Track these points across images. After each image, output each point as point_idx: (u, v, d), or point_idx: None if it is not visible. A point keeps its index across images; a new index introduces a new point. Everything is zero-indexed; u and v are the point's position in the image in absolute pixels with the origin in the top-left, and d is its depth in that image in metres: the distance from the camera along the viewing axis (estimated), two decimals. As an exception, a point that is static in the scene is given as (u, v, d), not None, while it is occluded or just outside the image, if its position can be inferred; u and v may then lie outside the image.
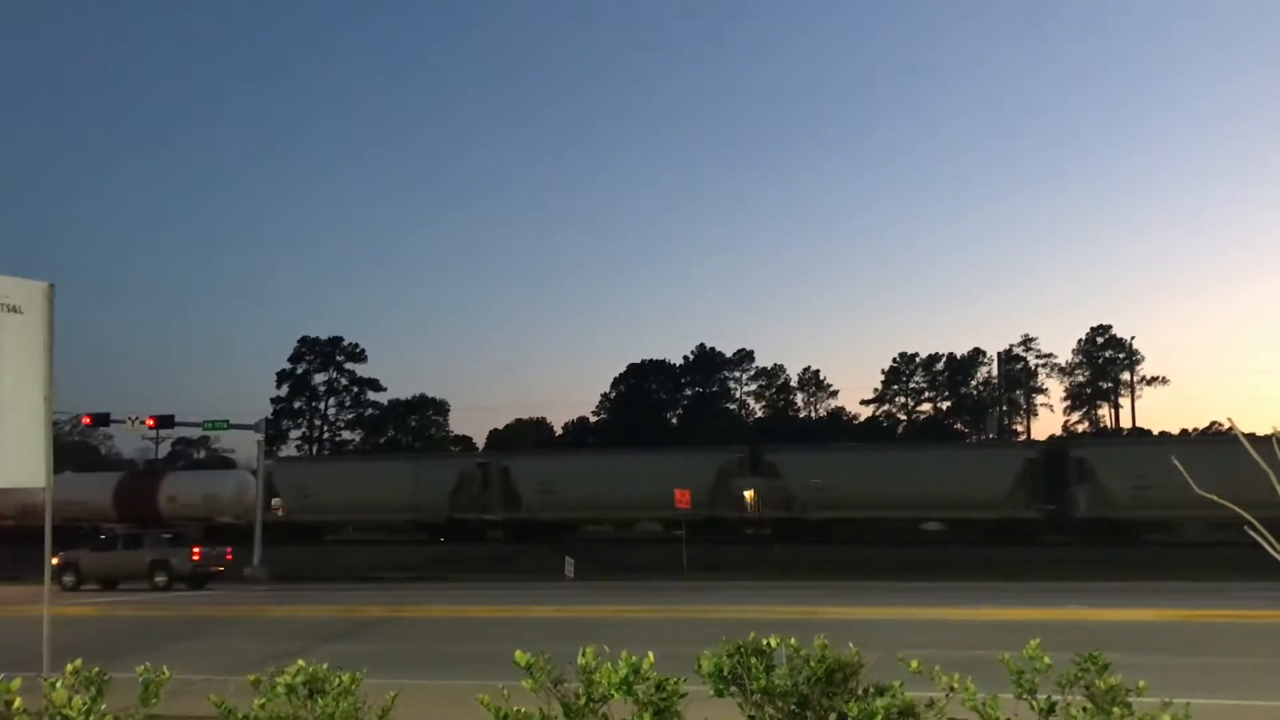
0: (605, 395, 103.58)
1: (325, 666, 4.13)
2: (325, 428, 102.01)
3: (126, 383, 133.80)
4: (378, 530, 56.63)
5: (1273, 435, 4.83)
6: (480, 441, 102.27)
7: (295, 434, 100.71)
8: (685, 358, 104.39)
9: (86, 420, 39.77)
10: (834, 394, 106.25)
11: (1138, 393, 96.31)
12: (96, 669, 4.07)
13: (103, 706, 3.96)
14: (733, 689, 4.60)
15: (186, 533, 58.55)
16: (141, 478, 65.43)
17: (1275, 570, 4.88)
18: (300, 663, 4.11)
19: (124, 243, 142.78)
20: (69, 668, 4.04)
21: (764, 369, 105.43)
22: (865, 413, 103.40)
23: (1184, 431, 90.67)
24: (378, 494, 52.12)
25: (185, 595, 26.29)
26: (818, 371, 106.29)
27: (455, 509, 52.09)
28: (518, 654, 4.40)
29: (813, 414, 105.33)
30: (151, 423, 38.97)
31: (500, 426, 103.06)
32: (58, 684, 3.98)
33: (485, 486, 52.44)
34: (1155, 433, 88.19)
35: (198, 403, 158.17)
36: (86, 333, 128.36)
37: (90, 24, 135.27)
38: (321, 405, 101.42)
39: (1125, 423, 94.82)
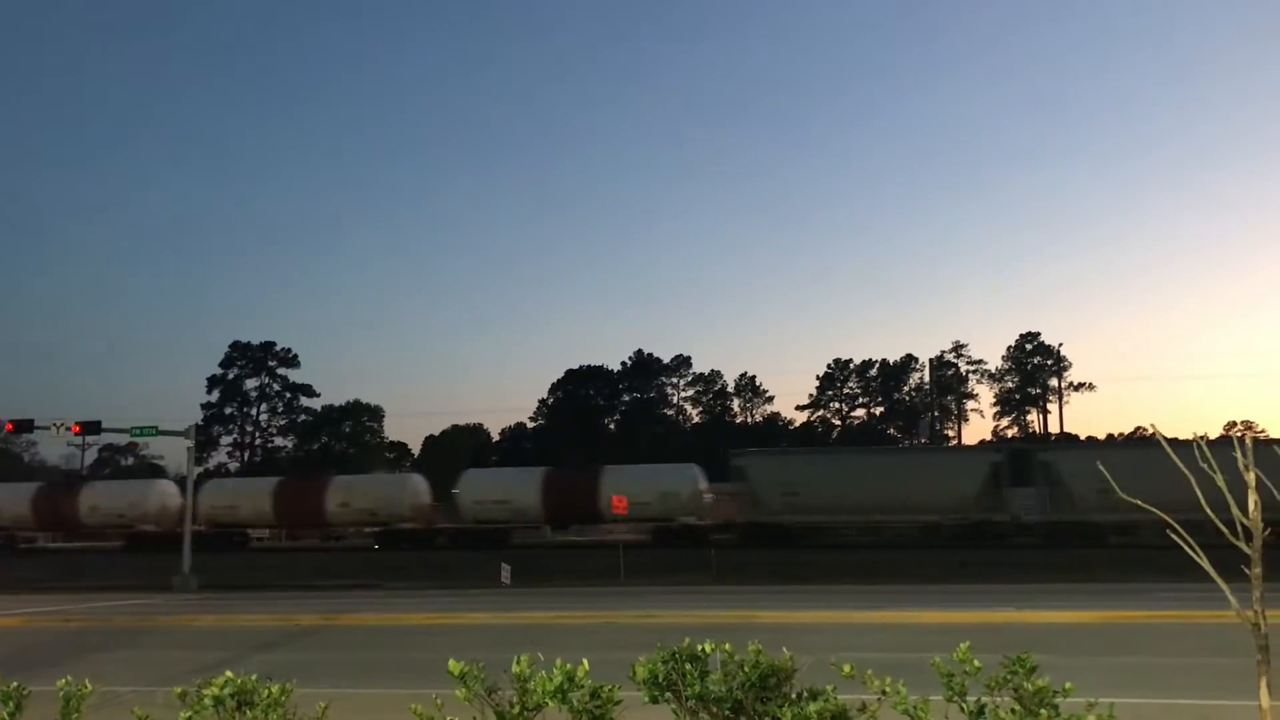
0: (543, 401, 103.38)
1: (254, 677, 4.05)
2: (257, 434, 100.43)
3: (51, 388, 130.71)
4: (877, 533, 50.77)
5: (1193, 440, 4.96)
6: (415, 449, 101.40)
7: (226, 440, 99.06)
8: (623, 364, 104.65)
9: (8, 427, 38.57)
10: (770, 400, 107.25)
11: (1065, 398, 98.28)
12: (15, 683, 3.95)
13: (21, 721, 3.85)
14: (667, 695, 4.61)
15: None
16: (61, 487, 64.45)
17: (1224, 571, 4.99)
18: (229, 674, 4.04)
19: (50, 247, 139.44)
20: (-14, 682, 3.92)
21: (701, 375, 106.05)
22: (800, 418, 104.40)
23: (1110, 436, 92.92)
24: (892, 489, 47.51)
25: (112, 606, 25.67)
26: (754, 378, 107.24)
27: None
28: (451, 663, 4.36)
29: (749, 419, 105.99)
30: (77, 429, 37.97)
31: (437, 433, 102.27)
32: (-26, 700, 3.87)
33: None
34: (1083, 437, 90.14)
35: (125, 408, 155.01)
36: (8, 335, 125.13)
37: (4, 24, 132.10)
38: (254, 411, 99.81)
39: (1054, 428, 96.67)
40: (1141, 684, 10.90)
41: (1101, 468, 5.70)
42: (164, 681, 11.21)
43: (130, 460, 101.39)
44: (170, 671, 12.81)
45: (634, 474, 52.56)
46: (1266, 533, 4.52)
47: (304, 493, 57.17)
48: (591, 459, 64.04)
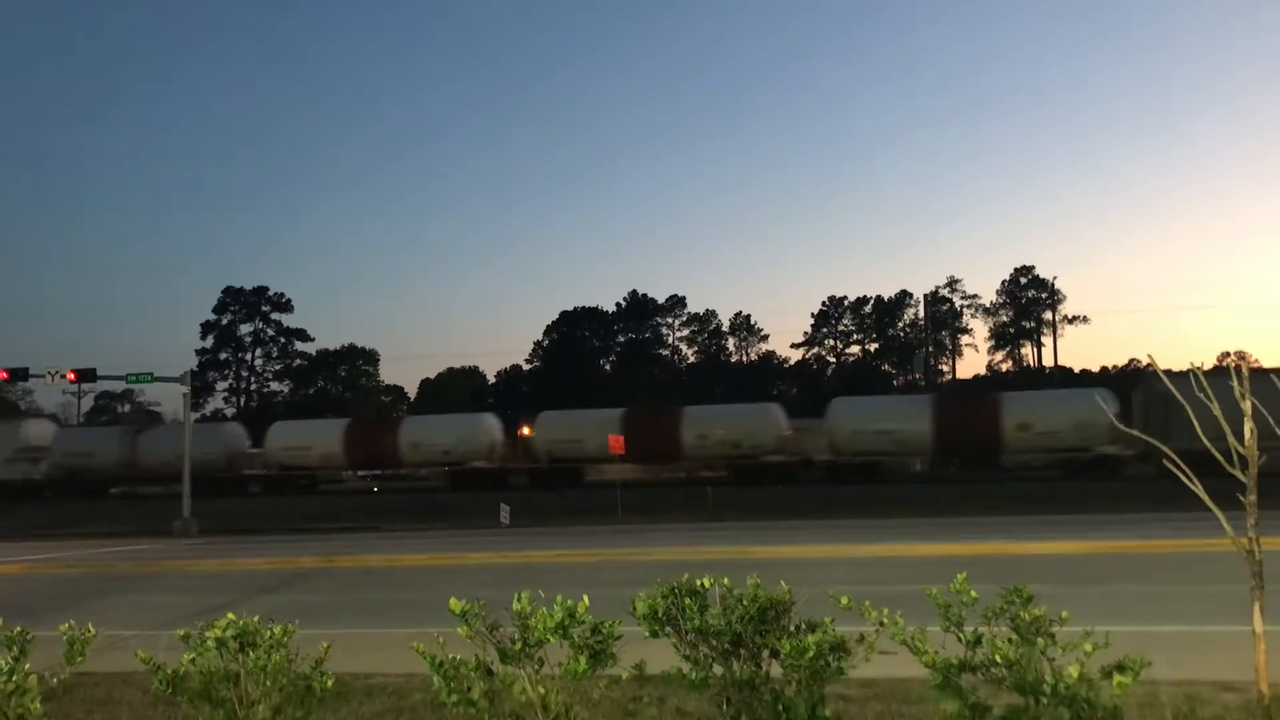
0: (538, 343, 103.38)
1: (256, 619, 4.08)
2: (252, 379, 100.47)
3: (45, 337, 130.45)
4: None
5: (1189, 371, 4.96)
6: (412, 392, 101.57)
7: (222, 386, 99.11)
8: (618, 304, 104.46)
9: (3, 375, 38.54)
10: (765, 338, 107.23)
11: (1060, 331, 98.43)
12: (19, 628, 3.98)
13: (26, 666, 3.87)
14: (667, 630, 4.65)
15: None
16: (377, 422, 61.46)
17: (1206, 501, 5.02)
18: (230, 616, 4.06)
19: (41, 196, 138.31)
20: (-10, 628, 3.94)
21: (696, 314, 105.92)
22: (795, 356, 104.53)
23: (1103, 369, 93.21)
24: None
25: (112, 552, 25.84)
26: (749, 316, 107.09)
27: None
28: (453, 601, 4.39)
29: (744, 358, 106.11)
30: (73, 376, 37.95)
31: (432, 376, 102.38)
32: (-22, 644, 3.89)
33: None
34: (1076, 371, 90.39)
35: (120, 356, 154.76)
36: (1, 284, 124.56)
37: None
38: (248, 356, 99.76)
39: (1048, 361, 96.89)
40: (1135, 612, 11.03)
41: (1101, 401, 5.70)
42: (166, 625, 11.31)
43: (126, 407, 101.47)
44: (172, 615, 12.92)
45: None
46: (1262, 460, 4.54)
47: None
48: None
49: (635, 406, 56.87)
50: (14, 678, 3.75)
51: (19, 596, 16.47)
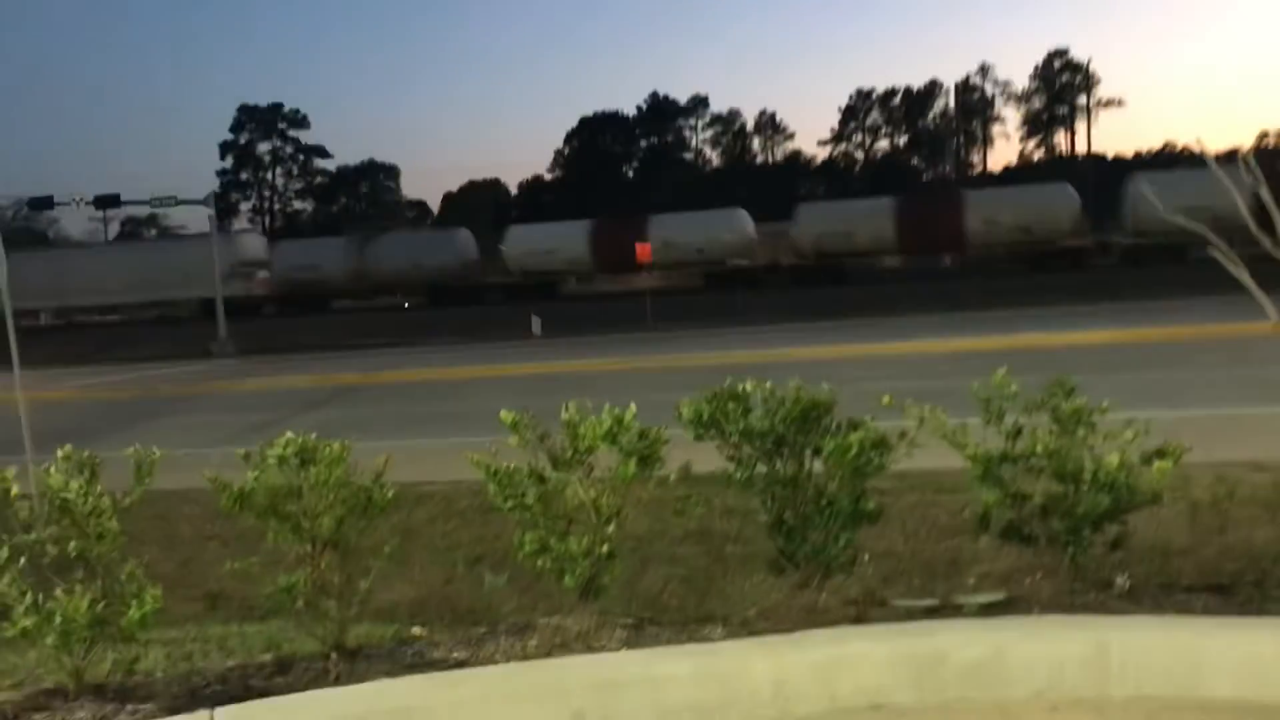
0: (559, 152, 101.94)
1: (314, 436, 4.19)
2: (275, 198, 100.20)
3: (66, 164, 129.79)
4: None
5: (1239, 154, 4.84)
6: (435, 205, 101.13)
7: (245, 206, 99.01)
8: (638, 108, 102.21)
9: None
10: (791, 137, 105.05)
11: (1094, 116, 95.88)
12: (87, 452, 4.11)
13: (99, 488, 4.03)
14: (712, 433, 4.76)
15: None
16: (621, 221, 55.86)
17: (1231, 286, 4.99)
18: (289, 433, 4.17)
19: (55, 19, 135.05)
20: (60, 452, 4.08)
21: (719, 115, 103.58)
22: (823, 154, 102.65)
23: (1137, 155, 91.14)
24: None
25: (155, 374, 26.44)
26: (774, 115, 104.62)
27: None
28: (503, 413, 4.48)
29: (770, 159, 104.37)
30: (96, 202, 37.99)
31: (454, 190, 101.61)
32: (51, 468, 4.03)
33: None
34: (1110, 157, 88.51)
35: (142, 180, 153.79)
36: (18, 115, 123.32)
37: None
38: (269, 175, 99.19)
39: (1080, 148, 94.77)
40: (1170, 398, 11.13)
41: (1145, 189, 5.60)
42: (217, 444, 11.67)
43: (152, 232, 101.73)
44: (223, 434, 13.32)
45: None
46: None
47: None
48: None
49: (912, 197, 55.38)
50: (89, 499, 3.90)
51: (75, 422, 16.95)
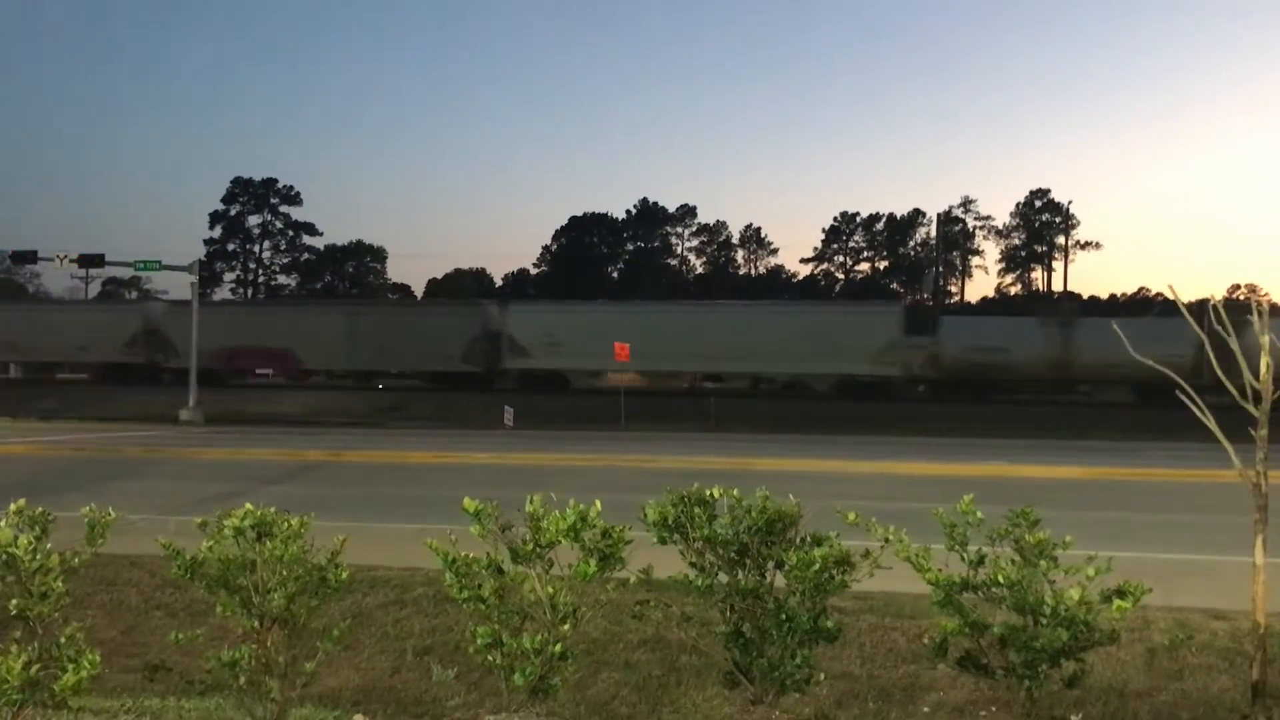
0: (546, 248, 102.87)
1: (273, 509, 4.14)
2: (260, 271, 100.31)
3: (53, 220, 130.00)
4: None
5: (1209, 302, 4.94)
6: (419, 290, 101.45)
7: (230, 277, 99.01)
8: (628, 211, 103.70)
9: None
10: (774, 252, 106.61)
11: (1071, 256, 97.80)
12: (40, 509, 4.04)
13: (48, 545, 3.95)
14: (675, 537, 4.72)
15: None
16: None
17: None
18: (249, 505, 4.12)
19: (54, 78, 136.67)
20: (13, 507, 4.00)
21: (706, 225, 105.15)
22: (805, 271, 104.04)
23: (1112, 297, 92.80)
24: None
25: (122, 436, 26.12)
26: (759, 229, 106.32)
27: None
28: (467, 501, 4.45)
29: (753, 271, 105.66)
30: (80, 261, 37.91)
31: (439, 276, 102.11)
32: (1, 523, 3.95)
33: None
34: (1085, 297, 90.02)
35: (126, 242, 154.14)
36: (11, 167, 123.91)
37: None
38: (256, 248, 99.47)
39: (1057, 286, 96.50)
40: (1136, 539, 11.15)
41: (1116, 327, 5.70)
42: (176, 511, 11.49)
43: (133, 294, 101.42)
44: (182, 501, 13.12)
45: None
46: (1276, 395, 4.55)
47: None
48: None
49: None
50: (37, 556, 3.82)
51: (30, 477, 16.66)
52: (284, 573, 3.97)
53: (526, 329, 47.67)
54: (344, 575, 4.16)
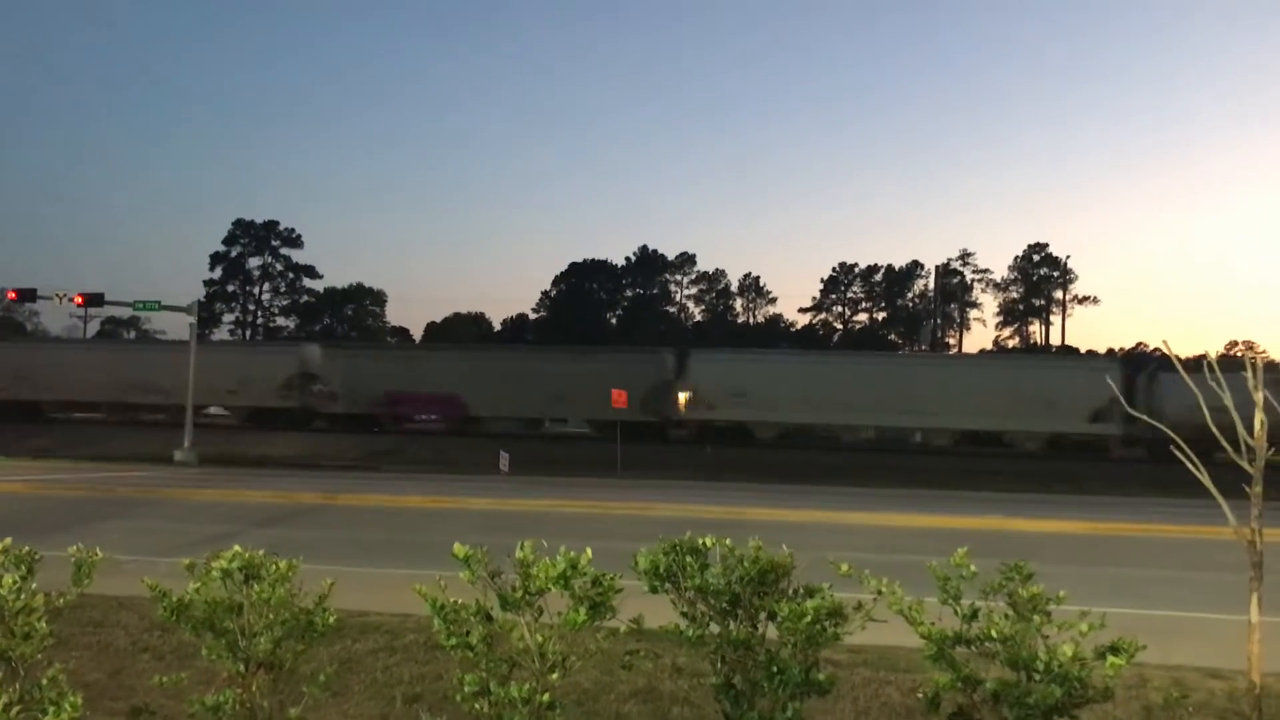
0: (545, 293, 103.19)
1: (261, 552, 4.11)
2: (259, 313, 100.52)
3: (56, 260, 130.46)
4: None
5: (1204, 359, 4.95)
6: (417, 334, 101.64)
7: (229, 318, 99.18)
8: (627, 258, 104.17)
9: (11, 295, 38.55)
10: (773, 301, 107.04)
11: (1069, 311, 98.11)
12: (27, 548, 4.01)
13: (34, 585, 3.91)
14: (667, 586, 4.68)
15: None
16: None
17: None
18: (237, 548, 4.09)
19: (57, 118, 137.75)
20: (-1, 545, 3.98)
21: (705, 273, 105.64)
22: (803, 320, 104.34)
23: (1110, 351, 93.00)
24: None
25: (113, 477, 26.01)
26: (758, 278, 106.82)
27: None
28: (456, 546, 4.41)
29: (751, 320, 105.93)
30: (80, 300, 38.02)
31: (438, 320, 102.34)
32: (-13, 561, 3.93)
33: None
34: (1083, 351, 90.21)
35: (126, 282, 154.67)
36: (12, 206, 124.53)
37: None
38: (256, 290, 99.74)
39: (1055, 340, 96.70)
40: (1131, 595, 11.09)
41: (1111, 381, 5.69)
42: (166, 552, 11.42)
43: (132, 334, 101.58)
44: (173, 543, 13.04)
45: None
46: (1270, 452, 4.54)
47: None
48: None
49: None
50: (22, 596, 3.79)
51: (24, 516, 16.56)
52: (271, 616, 3.93)
53: (709, 378, 46.37)
54: (331, 619, 4.12)
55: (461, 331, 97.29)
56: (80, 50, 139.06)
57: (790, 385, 43.44)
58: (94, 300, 38.93)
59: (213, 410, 53.36)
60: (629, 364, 48.38)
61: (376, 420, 48.00)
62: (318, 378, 49.10)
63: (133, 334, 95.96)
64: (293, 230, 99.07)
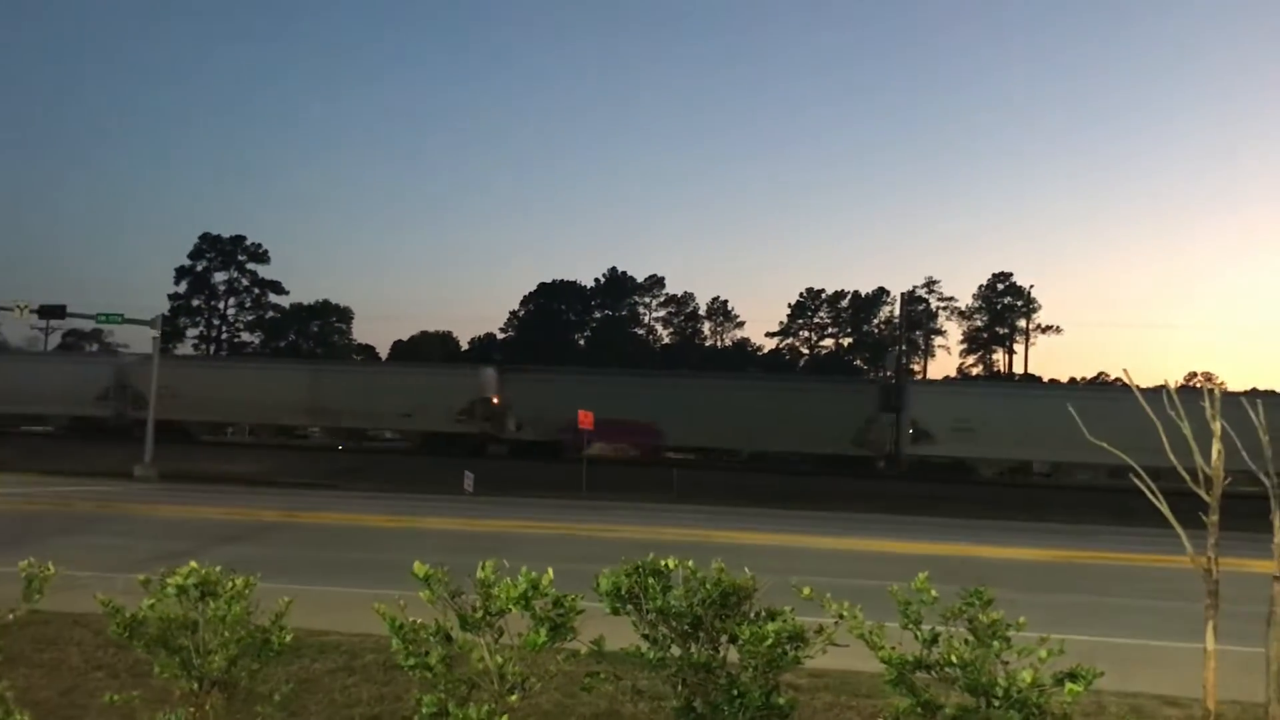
0: (514, 313, 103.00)
1: (218, 569, 4.06)
2: (224, 328, 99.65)
3: (16, 271, 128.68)
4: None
5: (1164, 388, 5.01)
6: (384, 352, 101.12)
7: (193, 333, 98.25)
8: (596, 280, 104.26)
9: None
10: (740, 325, 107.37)
11: (1032, 340, 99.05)
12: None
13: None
14: (629, 608, 4.66)
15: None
16: None
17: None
18: (193, 564, 4.04)
19: (16, 127, 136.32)
20: (-52, 560, 3.90)
21: (674, 296, 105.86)
22: (770, 344, 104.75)
23: (1072, 380, 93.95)
24: None
25: (74, 491, 25.63)
26: (726, 302, 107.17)
27: None
28: (416, 565, 4.38)
29: (719, 344, 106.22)
30: (38, 312, 37.49)
31: (405, 338, 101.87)
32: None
33: None
34: (1045, 379, 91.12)
35: (89, 293, 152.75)
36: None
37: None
38: (221, 305, 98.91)
39: (1018, 368, 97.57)
40: (1090, 622, 11.16)
41: (1072, 410, 5.75)
42: (123, 568, 11.25)
43: (94, 346, 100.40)
44: (130, 559, 12.86)
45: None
46: (1227, 481, 4.60)
47: None
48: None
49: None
50: (-30, 611, 3.72)
51: None
52: (226, 634, 3.88)
53: (933, 411, 45.04)
54: (288, 638, 4.07)
55: (429, 348, 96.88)
56: (42, 60, 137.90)
57: (1021, 419, 42.89)
58: (55, 312, 38.40)
59: (388, 435, 51.66)
60: (839, 394, 47.46)
61: (559, 448, 46.17)
62: (496, 403, 47.56)
63: (95, 347, 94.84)
64: (259, 245, 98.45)
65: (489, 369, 53.22)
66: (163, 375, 49.57)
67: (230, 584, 3.94)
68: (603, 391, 46.71)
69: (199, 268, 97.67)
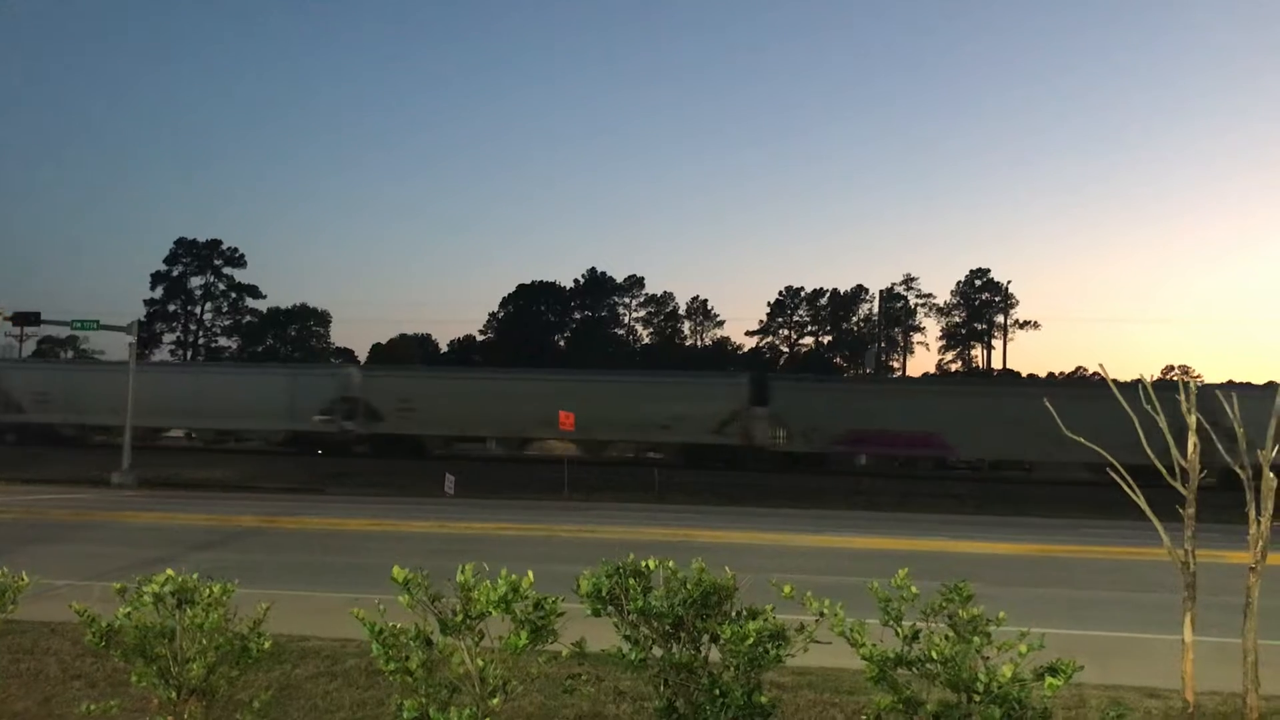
0: (493, 315, 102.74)
1: (195, 576, 4.02)
2: (201, 333, 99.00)
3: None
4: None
5: (1138, 382, 5.03)
6: (362, 355, 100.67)
7: (170, 338, 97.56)
8: (576, 281, 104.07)
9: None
10: (720, 324, 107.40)
11: (1010, 335, 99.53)
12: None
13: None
14: (610, 609, 4.66)
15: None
16: None
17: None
18: (169, 571, 4.00)
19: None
20: (-80, 571, 3.85)
21: (653, 296, 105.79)
22: (750, 343, 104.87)
23: (1050, 375, 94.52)
24: None
25: (50, 499, 25.41)
26: (705, 301, 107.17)
27: None
28: (395, 569, 4.36)
29: (699, 343, 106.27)
30: (12, 318, 37.16)
31: (383, 341, 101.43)
32: (-93, 587, 3.80)
33: None
34: (1024, 374, 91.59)
35: (67, 301, 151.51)
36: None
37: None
38: (198, 310, 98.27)
39: (996, 364, 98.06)
40: (1068, 616, 11.22)
41: (1049, 405, 5.78)
42: (100, 576, 11.16)
43: (69, 353, 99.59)
44: (107, 566, 12.75)
45: None
46: (1203, 475, 4.62)
47: None
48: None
49: None
50: (-57, 622, 3.67)
51: None
52: (204, 641, 3.85)
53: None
54: (267, 644, 4.04)
55: (407, 351, 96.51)
56: (12, 64, 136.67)
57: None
58: (28, 319, 38.11)
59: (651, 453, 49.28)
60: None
61: (828, 460, 44.61)
62: (766, 413, 45.93)
63: (70, 353, 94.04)
64: (236, 250, 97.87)
65: (754, 376, 50.99)
66: (399, 388, 48.91)
67: (208, 591, 3.90)
68: (876, 402, 45.55)
69: (175, 273, 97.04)
